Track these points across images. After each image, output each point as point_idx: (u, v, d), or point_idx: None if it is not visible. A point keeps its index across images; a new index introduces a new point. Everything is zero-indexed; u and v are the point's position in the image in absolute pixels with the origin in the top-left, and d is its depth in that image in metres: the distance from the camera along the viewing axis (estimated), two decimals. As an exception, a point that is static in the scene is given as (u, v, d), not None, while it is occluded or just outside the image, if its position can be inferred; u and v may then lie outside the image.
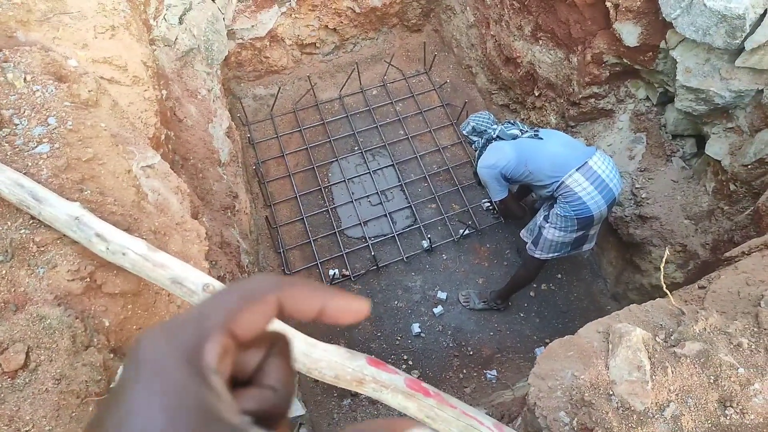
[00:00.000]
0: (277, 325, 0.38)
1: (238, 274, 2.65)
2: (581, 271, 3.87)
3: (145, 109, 2.34)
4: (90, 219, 1.65)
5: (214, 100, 3.71)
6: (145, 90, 2.40)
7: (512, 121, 3.28)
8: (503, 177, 3.10)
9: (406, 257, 3.85)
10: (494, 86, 4.55)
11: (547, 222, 3.11)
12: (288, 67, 4.63)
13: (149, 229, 1.82)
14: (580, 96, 3.60)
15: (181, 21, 3.35)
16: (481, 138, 3.24)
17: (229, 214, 3.05)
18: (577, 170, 2.90)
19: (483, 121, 3.27)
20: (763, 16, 2.50)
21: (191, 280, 1.40)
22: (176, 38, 3.30)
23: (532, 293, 3.77)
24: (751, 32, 2.54)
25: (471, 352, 3.51)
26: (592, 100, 3.60)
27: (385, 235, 3.97)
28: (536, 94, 4.05)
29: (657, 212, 3.32)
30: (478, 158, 3.24)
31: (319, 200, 4.15)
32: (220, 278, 2.42)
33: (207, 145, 3.37)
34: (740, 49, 2.63)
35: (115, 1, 2.56)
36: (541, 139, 3.05)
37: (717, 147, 2.98)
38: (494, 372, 3.43)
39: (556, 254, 3.19)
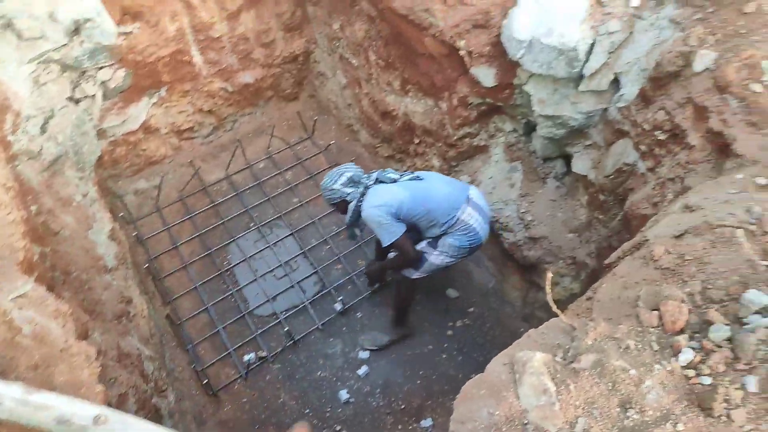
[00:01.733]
0: None
1: (142, 385, 2.48)
2: (489, 300, 4.00)
3: (10, 234, 2.18)
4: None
5: (91, 205, 3.55)
6: (8, 213, 2.24)
7: (382, 170, 3.24)
8: (396, 217, 3.03)
9: (322, 324, 3.80)
10: (377, 140, 4.71)
11: (435, 249, 3.16)
12: (168, 155, 4.54)
13: (28, 365, 1.67)
14: (455, 137, 3.82)
15: (43, 130, 3.21)
16: (358, 188, 3.11)
17: (125, 321, 2.88)
18: (467, 205, 3.09)
19: (357, 170, 3.17)
20: (593, 45, 2.80)
21: (79, 414, 1.30)
22: (40, 149, 3.15)
23: (449, 332, 3.84)
24: (587, 60, 2.84)
25: (402, 406, 3.47)
26: (467, 139, 3.83)
27: (296, 307, 3.90)
28: (416, 142, 4.24)
29: (544, 232, 3.54)
30: (353, 213, 3.12)
31: (222, 285, 4.03)
32: (121, 396, 2.25)
33: (90, 253, 3.19)
34: (581, 76, 2.93)
35: (-40, 124, 2.42)
36: (421, 179, 3.13)
37: (581, 164, 3.25)
38: (429, 420, 3.41)
39: (434, 272, 3.30)
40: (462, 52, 3.30)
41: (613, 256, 2.37)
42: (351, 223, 3.25)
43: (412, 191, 3.03)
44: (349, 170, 3.15)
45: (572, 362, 1.66)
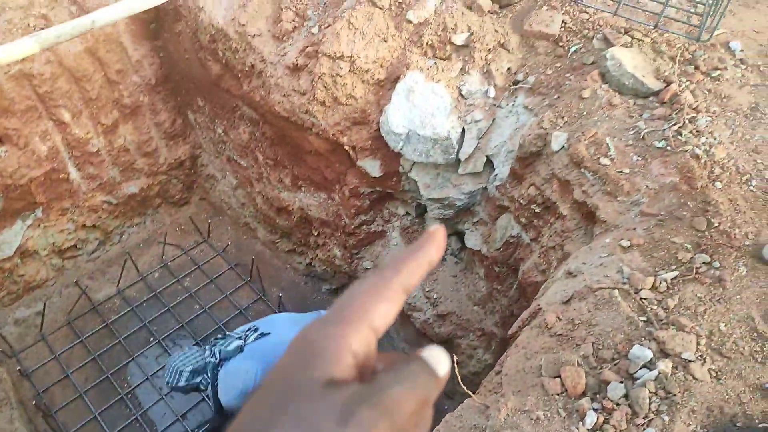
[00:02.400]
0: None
1: None
2: (409, 382, 3.99)
3: None
4: None
5: (-38, 345, 3.20)
6: None
7: (221, 336, 3.02)
8: None
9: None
10: (275, 236, 4.70)
11: None
12: (49, 278, 4.23)
13: None
14: (353, 226, 3.91)
15: None
16: (206, 372, 2.82)
17: (10, 474, 2.55)
18: None
19: (196, 357, 2.85)
20: (463, 133, 3.05)
21: None
22: None
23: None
24: (460, 147, 3.08)
25: None
26: (364, 226, 3.93)
27: (209, 421, 3.66)
28: (315, 234, 4.29)
29: (451, 307, 3.65)
30: (215, 394, 2.82)
31: (124, 410, 3.72)
32: None
33: (-37, 400, 2.85)
34: (458, 161, 3.15)
35: None
36: (268, 333, 2.87)
37: (473, 239, 3.44)
38: None
39: None
40: (346, 147, 3.46)
41: (515, 326, 2.49)
42: (218, 408, 2.91)
43: (262, 359, 2.77)
44: (187, 362, 2.84)
45: (490, 444, 1.70)
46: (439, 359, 0.44)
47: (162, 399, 3.77)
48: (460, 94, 2.91)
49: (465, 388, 1.93)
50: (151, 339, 4.10)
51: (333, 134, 3.30)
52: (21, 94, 3.48)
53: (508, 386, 1.97)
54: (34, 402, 3.65)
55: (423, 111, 2.89)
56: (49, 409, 3.66)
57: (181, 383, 2.82)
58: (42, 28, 3.04)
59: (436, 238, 0.47)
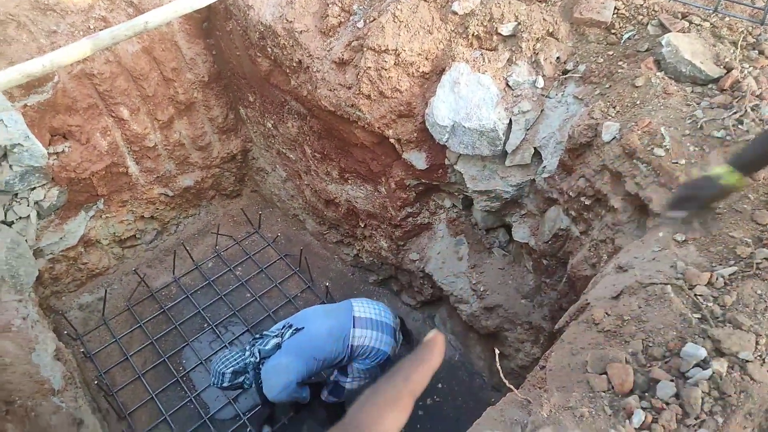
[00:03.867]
0: None
1: None
2: (457, 373, 3.99)
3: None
4: None
5: (32, 326, 3.41)
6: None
7: (259, 334, 3.13)
8: (301, 383, 3.02)
9: (287, 419, 3.68)
10: (324, 227, 4.77)
11: (347, 376, 3.20)
12: (111, 266, 4.45)
13: None
14: (399, 218, 3.92)
15: (-25, 259, 3.12)
16: (247, 372, 3.01)
17: (75, 448, 2.72)
18: (354, 327, 3.05)
19: (236, 359, 3.01)
20: (510, 124, 3.00)
21: None
22: (-28, 279, 3.04)
23: (420, 411, 3.78)
24: (507, 138, 3.03)
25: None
26: (410, 219, 3.93)
27: (259, 405, 3.77)
28: (362, 226, 4.32)
29: (498, 300, 3.61)
30: (260, 390, 3.05)
31: (180, 392, 3.88)
32: None
33: (33, 378, 3.05)
34: (505, 153, 3.10)
35: None
36: (302, 328, 3.02)
37: (521, 232, 3.39)
38: None
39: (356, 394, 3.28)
40: (392, 140, 3.46)
41: (562, 321, 2.44)
42: (265, 401, 3.19)
43: (300, 354, 2.95)
44: (228, 365, 3.00)
45: (532, 439, 1.68)
46: None
47: (215, 384, 3.91)
48: (507, 84, 2.85)
49: (507, 382, 1.91)
50: (205, 325, 4.25)
51: (378, 127, 3.31)
52: (83, 93, 3.65)
53: (552, 382, 1.94)
54: (96, 382, 3.86)
55: (469, 103, 2.86)
56: (110, 389, 3.86)
57: (225, 384, 2.99)
58: (101, 30, 3.18)
59: (436, 344, 0.51)
